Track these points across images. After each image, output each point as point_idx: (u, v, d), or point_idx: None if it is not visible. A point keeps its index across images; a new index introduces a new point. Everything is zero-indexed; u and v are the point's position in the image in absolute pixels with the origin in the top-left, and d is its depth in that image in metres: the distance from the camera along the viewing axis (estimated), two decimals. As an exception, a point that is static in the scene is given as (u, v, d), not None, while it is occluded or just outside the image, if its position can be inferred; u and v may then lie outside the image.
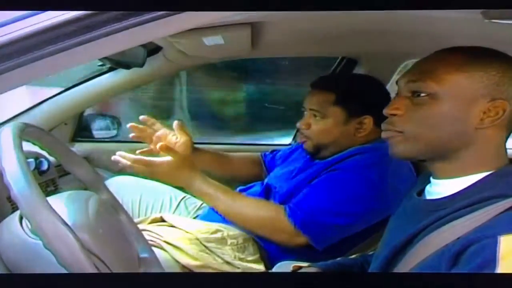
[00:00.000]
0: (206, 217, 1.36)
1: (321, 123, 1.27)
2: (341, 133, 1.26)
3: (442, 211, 0.70)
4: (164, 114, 2.51)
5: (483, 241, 0.60)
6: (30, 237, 0.71)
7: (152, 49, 1.58)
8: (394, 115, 0.75)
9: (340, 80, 1.41)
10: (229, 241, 1.22)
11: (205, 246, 1.20)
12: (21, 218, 0.75)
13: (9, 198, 1.11)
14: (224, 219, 1.25)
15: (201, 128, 2.62)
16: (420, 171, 0.98)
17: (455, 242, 0.64)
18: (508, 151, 0.73)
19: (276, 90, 2.66)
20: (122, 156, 1.19)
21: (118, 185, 1.52)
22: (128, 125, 1.45)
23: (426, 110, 0.72)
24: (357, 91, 1.28)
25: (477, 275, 0.59)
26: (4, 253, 0.72)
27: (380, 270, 0.78)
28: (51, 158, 1.41)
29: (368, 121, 1.25)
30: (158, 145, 1.21)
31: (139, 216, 1.47)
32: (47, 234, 0.60)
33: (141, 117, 1.46)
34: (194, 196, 1.57)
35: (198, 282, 0.67)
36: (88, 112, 1.95)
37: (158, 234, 1.22)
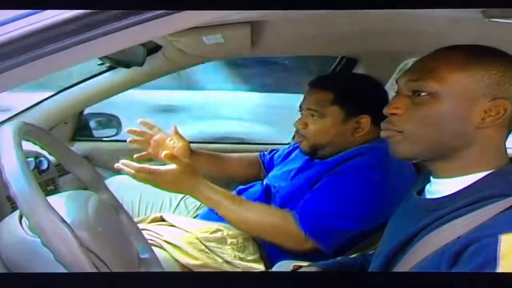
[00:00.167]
0: (206, 217, 1.36)
1: (319, 123, 1.27)
2: (338, 133, 1.26)
3: (442, 210, 0.70)
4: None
5: (484, 240, 0.60)
6: (29, 235, 0.71)
7: (152, 48, 1.58)
8: (394, 114, 0.75)
9: (338, 79, 1.41)
10: (229, 241, 1.22)
11: (205, 246, 1.20)
12: (20, 217, 0.75)
13: (9, 197, 1.12)
14: (224, 219, 1.24)
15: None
16: (421, 170, 0.98)
17: (455, 241, 0.64)
18: (508, 150, 0.73)
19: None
20: (125, 165, 1.18)
21: (118, 184, 1.52)
22: (127, 130, 1.46)
23: (426, 109, 0.71)
24: (355, 90, 1.28)
25: (477, 274, 0.59)
26: (4, 252, 0.72)
27: (380, 270, 0.78)
28: (51, 158, 1.41)
29: (366, 120, 1.24)
30: (162, 154, 1.19)
31: (139, 216, 1.47)
32: (45, 232, 0.60)
33: (139, 120, 1.46)
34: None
35: (198, 282, 0.67)
36: (87, 111, 1.95)
37: (158, 234, 1.22)
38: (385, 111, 0.76)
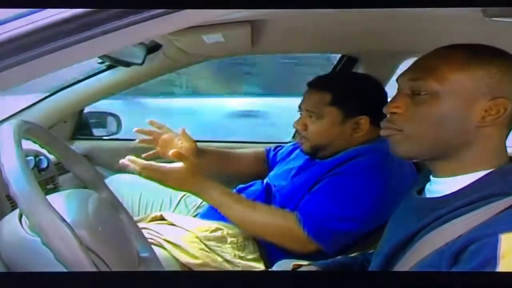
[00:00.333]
0: (206, 216, 1.36)
1: (317, 124, 1.26)
2: (337, 134, 1.25)
3: (442, 210, 0.69)
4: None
5: (484, 240, 0.60)
6: (29, 234, 0.71)
7: (152, 47, 1.58)
8: (394, 113, 0.75)
9: (336, 80, 1.39)
10: (229, 240, 1.22)
11: (205, 245, 1.20)
12: (20, 216, 0.75)
13: (9, 196, 1.11)
14: (224, 218, 1.24)
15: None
16: (421, 170, 0.98)
17: (456, 240, 0.64)
18: (508, 149, 0.73)
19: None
20: (131, 161, 1.17)
21: (118, 183, 1.52)
22: (134, 130, 1.47)
23: (427, 108, 0.71)
24: (353, 91, 1.27)
25: (477, 273, 0.59)
26: (4, 251, 0.72)
27: (380, 269, 0.78)
28: (51, 156, 1.41)
29: (364, 121, 1.24)
30: (170, 152, 1.20)
31: (139, 215, 1.47)
32: (45, 231, 0.60)
33: (148, 120, 1.48)
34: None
35: (198, 281, 0.67)
36: (87, 110, 1.95)
37: (158, 233, 1.22)
38: (385, 110, 0.76)
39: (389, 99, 0.88)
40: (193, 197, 1.55)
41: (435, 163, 0.75)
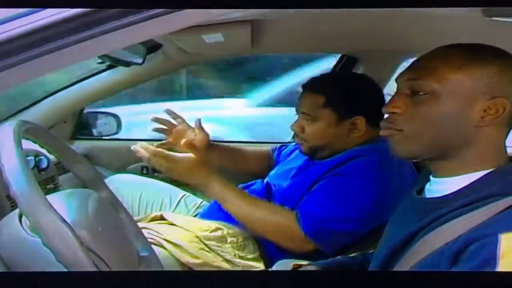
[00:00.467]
0: (206, 215, 1.36)
1: (313, 126, 1.26)
2: (334, 135, 1.25)
3: (442, 210, 0.69)
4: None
5: (483, 240, 0.60)
6: (29, 235, 0.71)
7: (152, 47, 1.58)
8: (394, 113, 0.75)
9: (329, 81, 1.38)
10: (229, 239, 1.22)
11: (205, 244, 1.20)
12: (20, 216, 0.75)
13: (9, 196, 1.11)
14: (224, 217, 1.25)
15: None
16: (421, 170, 0.98)
17: (455, 240, 0.64)
18: (508, 149, 0.73)
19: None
20: (142, 147, 1.17)
21: (118, 183, 1.52)
22: (151, 117, 1.47)
23: (426, 108, 0.71)
24: (346, 92, 1.26)
25: (477, 273, 0.59)
26: (3, 251, 0.72)
27: (380, 269, 0.78)
28: (51, 156, 1.41)
29: (360, 121, 1.23)
30: (182, 142, 1.22)
31: (139, 214, 1.47)
32: (46, 232, 0.60)
33: (165, 109, 1.49)
34: (195, 194, 1.57)
35: (198, 280, 0.67)
36: (87, 110, 1.95)
37: (158, 232, 1.22)
38: (384, 109, 0.76)
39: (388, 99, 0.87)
40: (193, 197, 1.56)
41: (434, 163, 0.75)
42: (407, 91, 0.74)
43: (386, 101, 0.78)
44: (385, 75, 1.68)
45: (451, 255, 0.63)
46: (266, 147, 1.68)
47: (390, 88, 1.52)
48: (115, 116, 1.98)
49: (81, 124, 1.93)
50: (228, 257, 1.19)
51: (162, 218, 1.32)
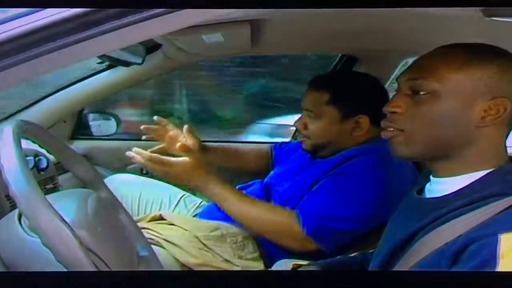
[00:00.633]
0: (205, 215, 1.36)
1: (316, 123, 1.26)
2: (337, 133, 1.25)
3: (442, 210, 0.69)
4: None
5: (483, 240, 0.60)
6: (28, 235, 0.71)
7: (152, 47, 1.57)
8: (394, 112, 0.75)
9: (334, 79, 1.39)
10: (228, 239, 1.22)
11: (204, 244, 1.20)
12: (20, 216, 0.75)
13: (8, 196, 1.11)
14: (223, 217, 1.24)
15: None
16: (421, 170, 0.98)
17: (455, 240, 0.64)
18: (508, 149, 0.73)
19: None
20: (137, 153, 1.18)
21: (117, 183, 1.52)
22: (142, 127, 1.49)
23: (426, 108, 0.71)
24: (351, 90, 1.27)
25: (477, 273, 0.59)
26: (3, 251, 0.72)
27: (380, 269, 0.78)
28: (50, 156, 1.41)
29: (364, 120, 1.23)
30: (177, 145, 1.23)
31: (138, 214, 1.47)
32: (45, 231, 0.60)
33: (155, 117, 1.50)
34: (194, 194, 1.57)
35: (197, 280, 0.67)
36: (87, 109, 1.95)
37: (157, 232, 1.22)
38: (385, 109, 0.76)
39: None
40: (193, 197, 1.56)
41: (434, 163, 0.75)
42: (408, 91, 0.74)
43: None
44: (385, 75, 1.68)
45: (451, 255, 0.63)
46: (266, 146, 1.67)
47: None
48: (114, 116, 1.98)
49: (81, 124, 1.93)
50: (228, 257, 1.19)
51: (161, 218, 1.32)
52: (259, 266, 1.21)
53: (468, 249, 0.61)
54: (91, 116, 1.95)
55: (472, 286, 0.59)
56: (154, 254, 0.95)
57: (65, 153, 0.91)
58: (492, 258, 0.58)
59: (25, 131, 0.73)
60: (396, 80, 0.78)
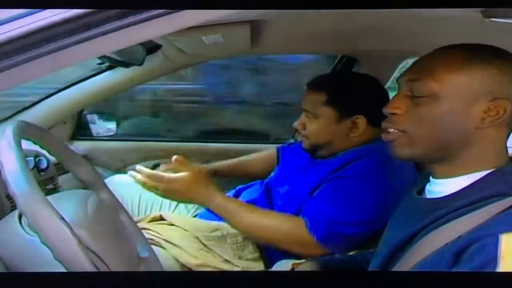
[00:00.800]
0: (205, 216, 1.36)
1: (314, 124, 1.26)
2: (334, 133, 1.25)
3: (442, 210, 0.69)
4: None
5: (484, 240, 0.60)
6: (28, 234, 0.71)
7: (151, 47, 1.57)
8: (394, 114, 0.75)
9: (331, 80, 1.39)
10: (228, 240, 1.22)
11: (204, 245, 1.20)
12: (20, 216, 0.75)
13: (8, 196, 1.11)
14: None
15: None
16: (422, 169, 0.98)
17: (456, 241, 0.64)
18: (509, 149, 0.73)
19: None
20: (138, 170, 1.17)
21: (117, 183, 1.52)
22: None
23: (426, 109, 0.71)
24: (348, 90, 1.27)
25: (477, 274, 0.59)
26: (3, 251, 0.72)
27: (380, 269, 0.78)
28: (51, 157, 1.41)
29: (361, 121, 1.23)
30: (173, 158, 1.20)
31: (138, 215, 1.47)
32: (44, 230, 0.60)
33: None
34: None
35: (197, 281, 0.67)
36: (87, 110, 1.95)
37: (157, 233, 1.22)
38: (385, 110, 0.76)
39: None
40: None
41: (434, 164, 0.75)
42: (407, 92, 0.74)
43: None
44: (384, 76, 1.68)
45: (451, 255, 0.63)
46: (272, 150, 1.66)
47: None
48: (114, 116, 1.99)
49: (81, 124, 1.93)
50: (228, 258, 1.19)
51: (161, 218, 1.32)
52: (259, 266, 1.21)
53: (469, 249, 0.61)
54: (91, 117, 1.96)
55: (473, 286, 0.59)
56: (154, 255, 0.95)
57: (65, 154, 0.91)
58: (493, 258, 0.58)
59: (26, 131, 0.74)
60: (396, 81, 0.78)
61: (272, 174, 1.45)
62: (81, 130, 1.93)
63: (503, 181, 0.68)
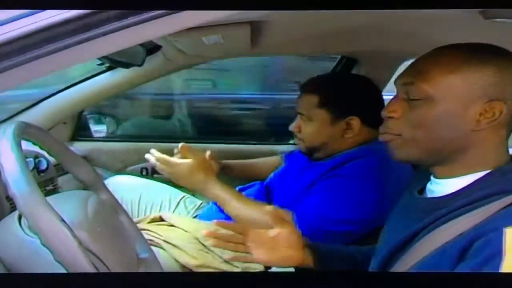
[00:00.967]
0: (205, 217, 1.36)
1: (308, 126, 1.27)
2: (329, 135, 1.25)
3: (443, 209, 0.69)
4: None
5: (488, 235, 0.60)
6: (28, 235, 0.71)
7: (152, 48, 1.58)
8: (391, 117, 0.75)
9: (324, 82, 1.38)
10: (228, 240, 1.22)
11: (204, 245, 1.20)
12: (20, 217, 0.75)
13: (8, 197, 1.11)
14: (223, 219, 1.24)
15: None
16: (419, 168, 0.97)
17: (459, 238, 0.64)
18: (509, 149, 0.73)
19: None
20: (152, 154, 1.24)
21: (117, 184, 1.52)
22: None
23: (421, 113, 0.71)
24: (340, 92, 1.26)
25: (478, 274, 0.59)
26: (3, 252, 0.72)
27: (380, 268, 0.78)
28: (50, 158, 1.41)
29: (355, 122, 1.23)
30: (179, 145, 1.24)
31: (138, 216, 1.48)
32: (45, 232, 0.60)
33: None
34: (194, 196, 1.57)
35: (197, 282, 0.67)
36: (87, 111, 1.95)
37: (157, 234, 1.22)
38: (382, 114, 0.76)
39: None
40: (193, 198, 1.56)
41: (433, 166, 0.75)
42: (404, 95, 0.74)
43: (385, 102, 0.78)
44: (385, 77, 1.68)
45: (456, 252, 0.63)
46: (277, 156, 1.67)
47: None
48: (114, 117, 1.99)
49: (81, 125, 1.93)
50: (227, 258, 1.18)
51: (161, 219, 1.32)
52: (258, 267, 1.21)
53: (474, 245, 0.61)
54: (90, 118, 1.96)
55: (473, 286, 0.59)
56: (154, 256, 0.95)
57: (65, 155, 0.91)
58: (498, 251, 0.58)
59: (26, 132, 0.74)
60: (394, 83, 0.78)
61: (272, 174, 1.45)
62: (81, 130, 1.93)
63: (503, 180, 0.68)
